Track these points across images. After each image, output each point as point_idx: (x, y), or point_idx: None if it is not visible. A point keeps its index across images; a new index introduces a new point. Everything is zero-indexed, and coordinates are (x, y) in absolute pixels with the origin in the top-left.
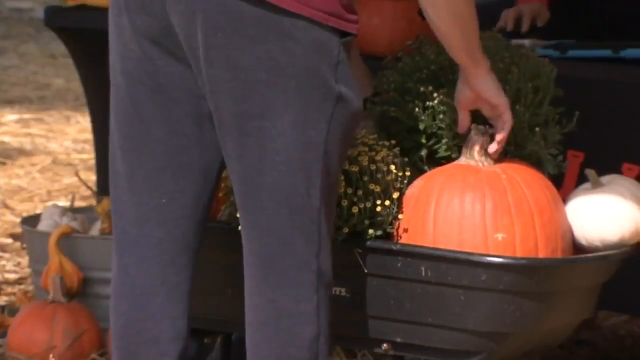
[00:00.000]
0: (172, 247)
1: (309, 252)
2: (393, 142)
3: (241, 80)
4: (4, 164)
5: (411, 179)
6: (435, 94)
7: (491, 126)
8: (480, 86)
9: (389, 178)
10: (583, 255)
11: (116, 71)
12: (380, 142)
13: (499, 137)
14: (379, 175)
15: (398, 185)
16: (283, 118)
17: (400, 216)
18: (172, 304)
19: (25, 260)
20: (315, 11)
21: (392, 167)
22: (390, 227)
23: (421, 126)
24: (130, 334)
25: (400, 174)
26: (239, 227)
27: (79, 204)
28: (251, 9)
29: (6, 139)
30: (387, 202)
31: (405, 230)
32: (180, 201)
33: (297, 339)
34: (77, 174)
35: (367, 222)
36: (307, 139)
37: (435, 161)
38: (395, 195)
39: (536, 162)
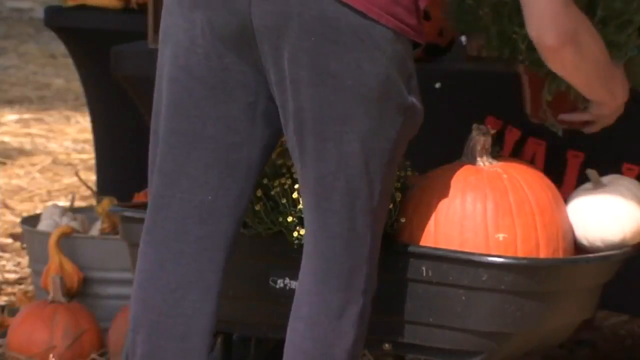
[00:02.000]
0: (211, 245)
1: (362, 256)
2: None
3: (329, 85)
4: (4, 164)
5: (412, 180)
6: None
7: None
8: (613, 112)
9: None
10: (584, 256)
11: (175, 64)
12: None
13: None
14: None
15: (399, 185)
16: (361, 125)
17: (402, 220)
18: (205, 301)
19: (25, 260)
20: (400, 23)
21: None
22: (391, 227)
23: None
24: (161, 328)
25: (402, 174)
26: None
27: (79, 204)
28: (347, 18)
29: (6, 139)
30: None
31: (407, 230)
32: (224, 199)
33: (343, 340)
34: (77, 174)
35: None
36: (378, 146)
37: (435, 163)
38: (398, 197)
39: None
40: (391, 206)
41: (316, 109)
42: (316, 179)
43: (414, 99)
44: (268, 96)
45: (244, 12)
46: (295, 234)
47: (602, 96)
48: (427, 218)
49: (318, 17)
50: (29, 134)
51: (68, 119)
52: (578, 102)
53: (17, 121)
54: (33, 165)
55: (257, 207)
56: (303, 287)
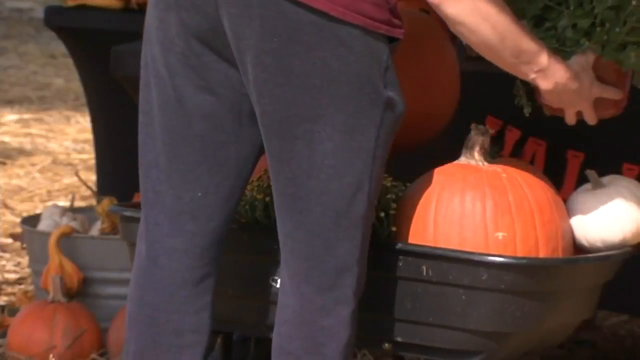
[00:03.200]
0: (203, 241)
1: (351, 257)
2: None
3: (294, 85)
4: (4, 164)
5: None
6: None
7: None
8: (552, 97)
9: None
10: (584, 255)
11: (158, 64)
12: None
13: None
14: None
15: (394, 197)
16: (333, 123)
17: (393, 228)
18: (198, 296)
19: (25, 260)
20: (369, 20)
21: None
22: (387, 237)
23: None
24: (156, 324)
25: (394, 184)
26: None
27: (79, 204)
28: (308, 17)
29: (6, 139)
30: (381, 214)
31: (406, 230)
32: (214, 196)
33: (333, 341)
34: (77, 174)
35: None
36: (357, 144)
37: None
38: (392, 209)
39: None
40: (382, 215)
41: (283, 109)
42: (288, 179)
43: (391, 93)
44: None
45: (213, 14)
46: None
47: (524, 74)
48: (426, 217)
49: (280, 18)
50: (29, 134)
51: (68, 119)
52: None
53: (17, 121)
54: (33, 165)
55: (267, 199)
56: (285, 289)
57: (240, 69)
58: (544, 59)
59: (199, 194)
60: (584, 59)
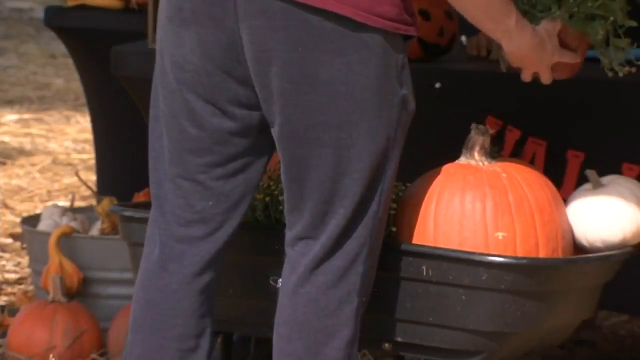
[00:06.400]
0: (212, 248)
1: (358, 255)
2: None
3: (320, 93)
4: (4, 164)
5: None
6: None
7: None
8: (514, 57)
9: None
10: (584, 256)
11: (169, 76)
12: None
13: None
14: None
15: (393, 196)
16: (358, 128)
17: (393, 229)
18: (202, 301)
19: (25, 260)
20: (389, 22)
21: None
22: (387, 237)
23: None
24: (162, 328)
25: (394, 184)
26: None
27: (79, 204)
28: (332, 25)
29: (6, 139)
30: None
31: (406, 229)
32: (225, 204)
33: (335, 340)
34: (77, 174)
35: None
36: (376, 146)
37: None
38: (392, 209)
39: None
40: None
41: (309, 118)
42: (314, 185)
43: (405, 92)
44: (261, 110)
45: (232, 28)
46: None
47: (490, 31)
48: (427, 217)
49: (304, 27)
50: (29, 134)
51: (68, 119)
52: None
53: (17, 121)
54: (33, 165)
55: (267, 199)
56: (286, 289)
57: (256, 82)
58: (512, 20)
59: (210, 202)
60: (552, 26)
